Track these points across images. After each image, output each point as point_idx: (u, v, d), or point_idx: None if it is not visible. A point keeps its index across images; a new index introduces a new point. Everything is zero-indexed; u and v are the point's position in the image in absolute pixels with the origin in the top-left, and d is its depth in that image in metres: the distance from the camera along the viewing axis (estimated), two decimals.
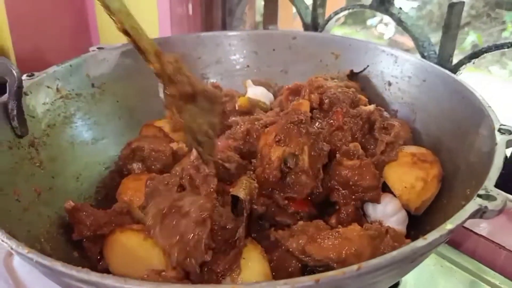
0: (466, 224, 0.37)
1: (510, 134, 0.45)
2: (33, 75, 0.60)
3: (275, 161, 0.50)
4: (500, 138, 0.45)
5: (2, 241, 0.37)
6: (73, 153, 0.61)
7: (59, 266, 0.33)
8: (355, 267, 0.31)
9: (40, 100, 0.59)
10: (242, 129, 0.57)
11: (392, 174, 0.53)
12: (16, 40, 1.26)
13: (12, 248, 0.36)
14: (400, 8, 0.75)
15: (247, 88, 0.71)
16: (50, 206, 0.53)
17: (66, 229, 0.52)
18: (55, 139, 0.59)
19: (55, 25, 1.27)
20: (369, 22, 3.79)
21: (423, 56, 0.72)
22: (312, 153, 0.51)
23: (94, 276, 0.31)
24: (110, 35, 1.28)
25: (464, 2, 0.67)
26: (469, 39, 3.19)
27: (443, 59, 0.70)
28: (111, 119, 0.66)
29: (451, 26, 0.68)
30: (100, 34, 1.31)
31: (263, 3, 1.13)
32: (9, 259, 0.64)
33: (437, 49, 0.71)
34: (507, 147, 0.45)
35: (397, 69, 0.66)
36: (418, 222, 0.53)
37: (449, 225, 0.35)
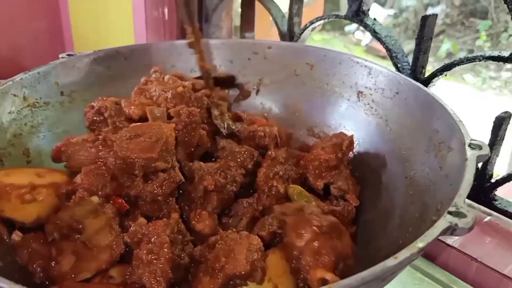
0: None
1: (480, 149, 0.46)
2: None
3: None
4: (470, 153, 0.45)
5: None
6: (40, 163, 0.59)
7: None
8: None
9: (5, 109, 0.57)
10: None
11: None
12: None
13: None
14: (375, 19, 0.75)
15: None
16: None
17: None
18: (21, 150, 0.58)
19: (28, 28, 1.24)
20: (347, 28, 3.83)
21: (396, 67, 0.72)
22: None
23: None
24: (83, 39, 1.26)
25: (437, 15, 0.68)
26: (444, 47, 3.26)
27: (416, 71, 0.70)
28: (81, 128, 0.65)
29: (424, 38, 0.68)
30: (74, 38, 1.28)
31: (240, 10, 1.13)
32: None
33: (410, 60, 0.72)
34: (477, 162, 0.45)
35: (370, 81, 0.66)
36: (389, 236, 0.53)
37: (419, 243, 0.35)
